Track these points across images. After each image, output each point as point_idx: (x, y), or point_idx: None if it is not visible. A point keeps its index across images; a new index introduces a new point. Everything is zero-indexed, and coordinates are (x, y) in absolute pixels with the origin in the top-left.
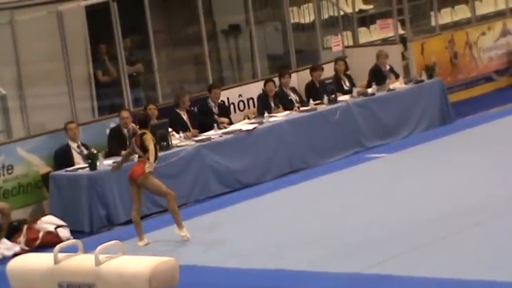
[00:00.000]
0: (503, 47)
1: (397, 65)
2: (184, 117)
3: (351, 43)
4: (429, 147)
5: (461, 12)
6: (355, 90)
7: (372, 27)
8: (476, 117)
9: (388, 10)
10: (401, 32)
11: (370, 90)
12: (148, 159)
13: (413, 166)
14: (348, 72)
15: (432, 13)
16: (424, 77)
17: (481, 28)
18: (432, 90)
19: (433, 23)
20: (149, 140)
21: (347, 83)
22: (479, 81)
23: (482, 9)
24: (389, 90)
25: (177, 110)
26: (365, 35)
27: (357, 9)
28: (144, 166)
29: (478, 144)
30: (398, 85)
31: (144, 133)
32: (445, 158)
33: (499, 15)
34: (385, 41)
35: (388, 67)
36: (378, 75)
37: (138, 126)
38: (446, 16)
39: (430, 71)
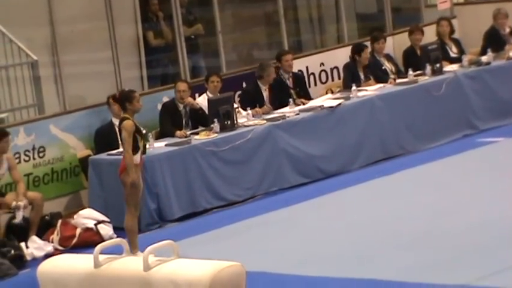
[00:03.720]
0: None
1: None
2: (265, 93)
3: None
4: None
5: None
6: (465, 59)
7: None
8: None
9: None
10: None
11: (484, 59)
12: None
13: None
14: (455, 36)
15: None
16: None
17: None
18: None
19: None
20: (127, 130)
21: (454, 49)
22: None
23: None
24: (508, 58)
25: (259, 83)
26: None
27: None
28: (125, 161)
29: None
30: None
31: (124, 118)
32: None
33: None
34: None
35: (507, 29)
36: (494, 40)
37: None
38: None
39: None
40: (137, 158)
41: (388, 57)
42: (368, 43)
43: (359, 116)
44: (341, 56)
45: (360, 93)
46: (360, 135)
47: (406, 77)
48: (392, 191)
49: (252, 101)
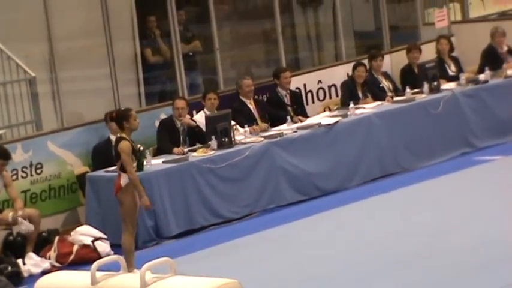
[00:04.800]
0: None
1: None
2: (251, 106)
3: (459, 18)
4: None
5: None
6: (463, 77)
7: None
8: None
9: None
10: None
11: (482, 77)
12: (123, 171)
13: None
14: (454, 54)
15: None
16: None
17: None
18: None
19: None
20: (125, 151)
21: (452, 67)
22: None
23: None
24: (506, 76)
25: (242, 98)
26: (477, 7)
27: None
28: (121, 179)
29: None
30: None
31: (120, 138)
32: None
33: None
34: (503, 15)
35: (505, 48)
36: (492, 58)
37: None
38: None
39: None
40: None
41: (386, 75)
42: (366, 61)
43: (356, 133)
44: (339, 74)
45: (358, 111)
46: (357, 153)
47: (404, 95)
48: (389, 208)
49: (242, 116)
